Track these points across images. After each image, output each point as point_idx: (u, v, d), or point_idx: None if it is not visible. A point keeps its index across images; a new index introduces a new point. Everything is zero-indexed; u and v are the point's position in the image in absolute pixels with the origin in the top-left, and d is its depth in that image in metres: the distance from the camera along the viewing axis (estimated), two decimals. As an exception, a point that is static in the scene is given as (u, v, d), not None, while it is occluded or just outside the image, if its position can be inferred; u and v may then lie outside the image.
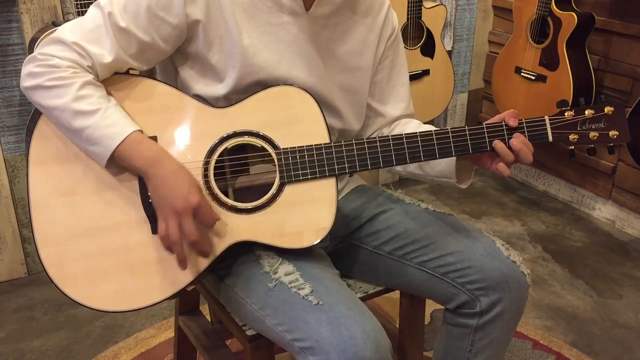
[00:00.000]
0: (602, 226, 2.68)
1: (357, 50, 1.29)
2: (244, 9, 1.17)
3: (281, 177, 1.15)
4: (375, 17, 1.31)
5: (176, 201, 1.06)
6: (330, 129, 1.19)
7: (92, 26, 1.12)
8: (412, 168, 1.31)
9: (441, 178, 1.26)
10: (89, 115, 1.07)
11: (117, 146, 1.07)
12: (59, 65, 1.09)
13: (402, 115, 1.39)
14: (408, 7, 2.59)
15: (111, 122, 1.08)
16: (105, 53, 1.11)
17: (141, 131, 1.11)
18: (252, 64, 1.18)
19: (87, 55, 1.10)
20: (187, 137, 1.15)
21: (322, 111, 1.17)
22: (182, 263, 1.09)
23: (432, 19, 2.67)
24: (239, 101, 1.17)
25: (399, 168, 1.33)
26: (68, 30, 1.11)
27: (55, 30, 1.14)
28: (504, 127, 1.15)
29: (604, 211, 2.71)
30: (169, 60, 1.23)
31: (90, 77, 1.11)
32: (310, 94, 1.17)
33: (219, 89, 1.19)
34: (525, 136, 1.15)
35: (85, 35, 1.11)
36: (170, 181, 1.08)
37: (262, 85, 1.18)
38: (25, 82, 1.11)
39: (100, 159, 1.10)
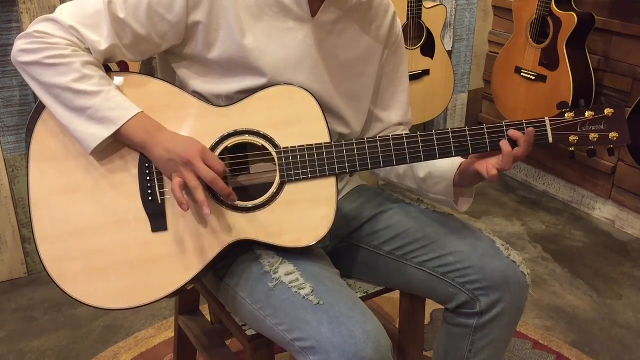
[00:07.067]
0: (602, 226, 2.68)
1: (362, 57, 1.29)
2: (249, 13, 1.16)
3: (281, 176, 1.15)
4: (381, 23, 1.30)
5: (182, 153, 1.07)
6: (332, 134, 1.18)
7: (92, 11, 1.12)
8: (411, 183, 1.31)
9: (439, 196, 1.26)
10: (92, 95, 1.08)
11: (120, 128, 1.08)
12: (58, 43, 1.09)
13: (400, 122, 1.40)
14: (408, 7, 2.59)
15: (115, 104, 1.09)
16: (101, 40, 1.12)
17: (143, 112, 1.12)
18: (255, 68, 1.17)
19: (83, 40, 1.11)
20: (187, 135, 1.14)
21: (322, 111, 1.17)
22: (206, 207, 1.06)
23: (432, 19, 2.67)
24: (240, 100, 1.17)
25: (396, 181, 1.34)
26: (67, 12, 1.11)
27: None
28: (504, 128, 1.16)
29: (604, 211, 2.71)
30: (167, 58, 1.23)
31: (90, 57, 1.11)
32: (311, 93, 1.17)
33: (220, 88, 1.19)
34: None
35: (84, 20, 1.11)
36: (169, 144, 1.09)
37: (264, 88, 1.18)
38: (21, 57, 1.10)
39: (93, 139, 1.09)
